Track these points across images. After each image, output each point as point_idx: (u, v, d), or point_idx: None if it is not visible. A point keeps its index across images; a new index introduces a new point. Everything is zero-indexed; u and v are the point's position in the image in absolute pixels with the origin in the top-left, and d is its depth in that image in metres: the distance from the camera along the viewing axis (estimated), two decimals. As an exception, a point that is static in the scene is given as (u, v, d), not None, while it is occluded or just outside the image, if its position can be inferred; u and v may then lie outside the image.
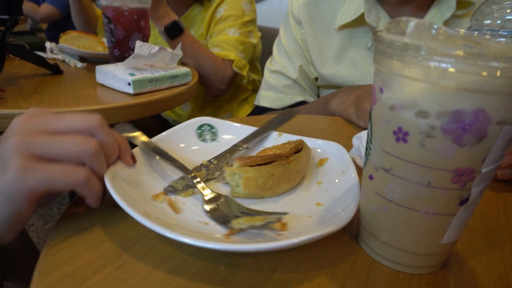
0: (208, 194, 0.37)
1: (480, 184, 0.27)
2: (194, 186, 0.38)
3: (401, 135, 0.28)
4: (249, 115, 1.05)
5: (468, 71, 0.23)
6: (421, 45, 0.25)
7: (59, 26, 2.02)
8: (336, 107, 0.74)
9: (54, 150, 0.29)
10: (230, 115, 1.29)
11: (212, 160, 0.43)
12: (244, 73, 1.19)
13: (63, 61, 1.00)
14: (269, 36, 1.34)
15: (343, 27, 0.86)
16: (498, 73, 0.23)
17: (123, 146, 0.36)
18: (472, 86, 0.24)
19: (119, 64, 0.79)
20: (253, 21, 1.23)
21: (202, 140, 0.48)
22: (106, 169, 0.33)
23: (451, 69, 0.24)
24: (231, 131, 0.50)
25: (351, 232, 0.36)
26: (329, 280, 0.30)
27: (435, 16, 0.78)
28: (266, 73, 0.98)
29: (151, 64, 0.81)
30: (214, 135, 0.49)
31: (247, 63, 1.21)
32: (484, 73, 0.23)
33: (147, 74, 0.75)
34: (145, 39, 0.91)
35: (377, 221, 0.32)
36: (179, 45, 0.85)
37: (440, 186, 0.27)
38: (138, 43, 0.76)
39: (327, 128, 0.66)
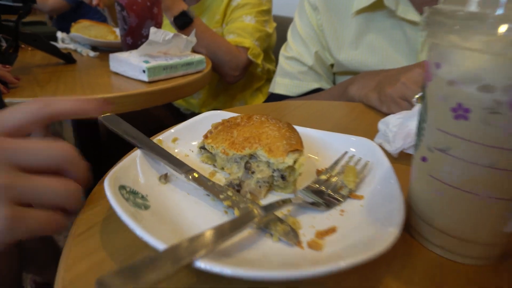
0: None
1: (549, 166, 0.25)
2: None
3: (461, 112, 0.25)
4: (264, 102, 1.02)
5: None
6: (489, 13, 0.22)
7: (67, 18, 1.99)
8: (356, 92, 0.71)
9: (38, 197, 0.27)
10: (243, 103, 1.27)
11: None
12: (259, 61, 1.17)
13: (75, 50, 0.98)
14: (284, 25, 1.31)
15: (360, 11, 0.83)
16: None
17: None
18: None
19: (134, 52, 0.77)
20: (269, 11, 1.22)
21: (140, 207, 0.30)
22: None
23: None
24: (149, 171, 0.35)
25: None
26: (394, 280, 0.27)
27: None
28: (281, 59, 0.96)
29: (165, 52, 0.79)
30: (144, 199, 0.31)
31: (262, 51, 1.19)
32: None
33: (162, 61, 0.73)
34: (158, 26, 0.88)
35: (430, 206, 0.30)
36: (193, 31, 0.82)
37: (505, 168, 0.25)
38: (152, 30, 0.74)
39: (347, 115, 0.64)
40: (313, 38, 0.91)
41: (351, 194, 0.34)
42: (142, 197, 0.31)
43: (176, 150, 0.40)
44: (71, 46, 0.99)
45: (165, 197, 0.33)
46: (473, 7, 0.24)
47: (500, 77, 0.23)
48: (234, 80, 1.17)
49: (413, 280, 0.27)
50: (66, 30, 1.05)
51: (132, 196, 0.30)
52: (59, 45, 1.00)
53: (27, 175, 0.26)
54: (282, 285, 0.25)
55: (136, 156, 0.35)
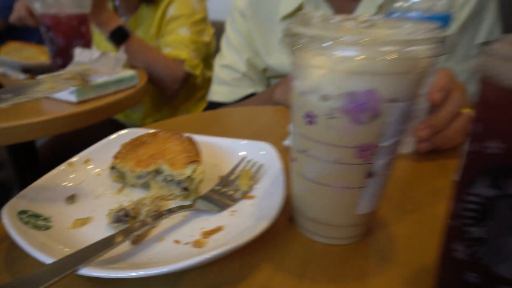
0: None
1: (383, 157, 0.30)
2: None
3: (310, 118, 0.30)
4: (203, 111, 1.05)
5: (357, 57, 0.26)
6: (322, 36, 0.26)
7: (3, 38, 1.90)
8: (280, 96, 0.76)
9: None
10: (187, 114, 1.29)
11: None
12: (197, 72, 1.19)
13: (4, 74, 0.96)
14: (223, 30, 1.34)
15: (286, 17, 0.88)
16: (387, 57, 0.25)
17: None
18: (361, 69, 0.26)
19: (61, 73, 0.77)
20: (204, 20, 1.24)
21: (39, 229, 0.32)
22: None
23: (345, 56, 0.26)
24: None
25: (287, 215, 0.38)
26: (268, 264, 0.32)
27: (369, 1, 0.82)
28: (216, 68, 1.00)
29: (95, 70, 0.80)
30: (47, 221, 0.33)
31: (200, 62, 1.21)
32: (375, 57, 0.26)
33: (90, 81, 0.74)
34: (87, 45, 0.89)
35: (303, 200, 0.34)
36: (122, 48, 0.84)
37: (347, 162, 0.30)
38: (77, 50, 0.75)
39: (269, 119, 0.68)
40: (244, 45, 0.95)
41: (244, 196, 0.38)
42: (45, 219, 0.34)
43: (89, 172, 0.43)
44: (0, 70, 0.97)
45: (70, 217, 0.35)
46: (316, 31, 0.28)
47: (333, 88, 0.28)
48: (175, 93, 1.19)
49: (284, 262, 0.32)
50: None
51: (33, 219, 0.33)
52: (-13, 70, 0.98)
53: None
54: (168, 280, 0.28)
55: (42, 181, 0.37)
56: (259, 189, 0.39)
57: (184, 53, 1.15)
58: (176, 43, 1.16)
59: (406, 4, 0.47)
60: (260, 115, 0.70)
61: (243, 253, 0.33)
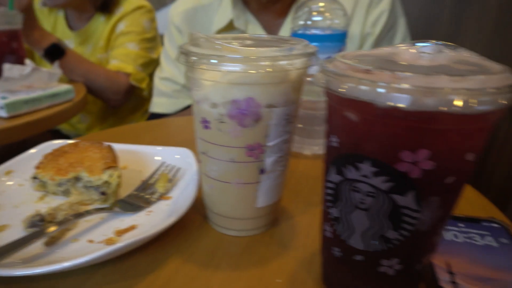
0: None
1: (272, 156, 0.35)
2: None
3: (205, 123, 0.34)
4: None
5: (236, 71, 0.31)
6: (209, 55, 0.31)
7: None
8: None
9: None
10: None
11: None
12: (143, 85, 1.21)
13: None
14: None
15: (218, 32, 0.93)
16: (261, 70, 0.30)
17: None
18: (240, 81, 0.31)
19: (-9, 89, 0.76)
20: (154, 39, 1.27)
21: None
22: None
23: (227, 70, 0.31)
24: None
25: (202, 212, 0.42)
26: (178, 256, 0.35)
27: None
28: (156, 80, 1.02)
29: (28, 85, 0.80)
30: None
31: (147, 76, 1.24)
32: (252, 71, 0.30)
33: (22, 96, 0.74)
34: (20, 60, 0.88)
35: (210, 197, 0.38)
36: (56, 63, 0.84)
37: (240, 161, 0.34)
38: (6, 66, 0.75)
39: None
40: (182, 59, 0.99)
41: (162, 197, 0.42)
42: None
43: (9, 183, 0.44)
44: None
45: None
46: (204, 50, 0.32)
47: (219, 97, 0.32)
48: (118, 104, 1.20)
49: (194, 254, 0.36)
50: None
51: None
52: None
53: None
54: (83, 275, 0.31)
55: None
56: (175, 191, 0.43)
57: (130, 67, 1.17)
58: (123, 56, 1.18)
59: (308, 22, 0.54)
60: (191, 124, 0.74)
61: (156, 248, 0.36)
